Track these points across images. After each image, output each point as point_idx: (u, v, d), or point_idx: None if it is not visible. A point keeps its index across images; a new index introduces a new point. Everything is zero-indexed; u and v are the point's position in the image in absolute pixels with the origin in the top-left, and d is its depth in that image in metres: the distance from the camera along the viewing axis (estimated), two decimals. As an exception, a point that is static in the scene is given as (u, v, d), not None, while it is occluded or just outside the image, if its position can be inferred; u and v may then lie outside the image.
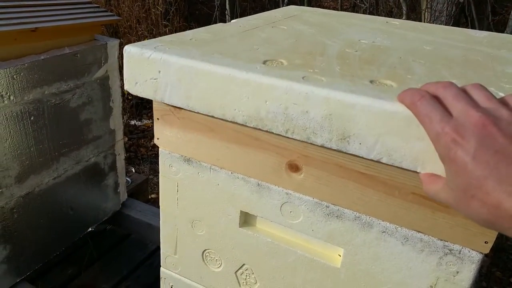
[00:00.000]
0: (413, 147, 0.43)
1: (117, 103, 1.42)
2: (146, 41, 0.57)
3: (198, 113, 0.54)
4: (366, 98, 0.44)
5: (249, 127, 0.52)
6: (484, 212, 0.34)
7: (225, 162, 0.58)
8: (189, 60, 0.51)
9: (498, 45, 0.76)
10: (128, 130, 3.35)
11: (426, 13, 3.35)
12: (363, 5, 4.11)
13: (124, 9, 4.10)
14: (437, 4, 3.30)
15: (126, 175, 1.73)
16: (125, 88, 0.57)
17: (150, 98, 0.55)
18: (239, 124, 0.53)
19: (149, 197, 1.90)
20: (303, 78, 0.48)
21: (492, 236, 0.46)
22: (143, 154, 3.09)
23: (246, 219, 0.62)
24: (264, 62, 0.53)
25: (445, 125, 0.36)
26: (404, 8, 3.50)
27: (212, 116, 0.53)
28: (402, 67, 0.56)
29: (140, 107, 3.50)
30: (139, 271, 1.43)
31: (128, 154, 3.03)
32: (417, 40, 0.74)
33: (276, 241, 0.59)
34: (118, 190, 1.54)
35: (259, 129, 0.51)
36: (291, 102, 0.47)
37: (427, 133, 0.38)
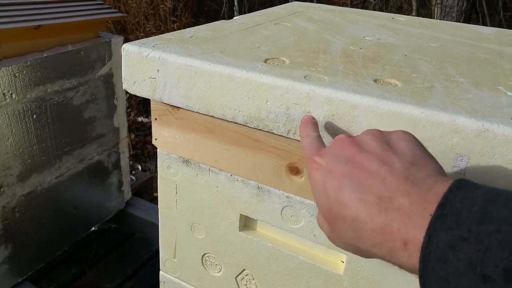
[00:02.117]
0: (418, 150, 0.41)
1: (121, 101, 1.41)
2: (144, 39, 0.55)
3: (197, 113, 0.52)
4: (370, 98, 0.42)
5: (250, 127, 0.50)
6: (348, 230, 0.30)
7: (224, 164, 0.56)
8: (188, 59, 0.50)
9: (507, 42, 0.73)
10: (135, 127, 3.34)
11: (436, 8, 3.30)
12: (373, 0, 4.07)
13: (132, 6, 4.10)
14: None
15: (131, 173, 1.72)
16: (123, 87, 0.55)
17: (149, 98, 0.54)
18: (239, 124, 0.51)
19: (154, 195, 1.89)
20: (305, 77, 0.46)
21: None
22: (150, 151, 3.09)
23: (246, 223, 0.60)
24: (265, 61, 0.51)
25: (313, 152, 0.36)
26: (414, 3, 3.45)
27: (212, 116, 0.51)
28: (408, 65, 0.54)
29: (147, 104, 3.48)
30: (143, 271, 1.43)
31: (134, 151, 3.03)
32: (423, 37, 0.72)
33: (277, 246, 0.57)
34: (122, 189, 1.54)
35: (260, 130, 0.49)
36: (293, 102, 0.45)
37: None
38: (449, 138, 0.39)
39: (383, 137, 0.33)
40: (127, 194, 1.57)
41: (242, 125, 0.50)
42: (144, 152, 3.07)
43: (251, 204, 0.56)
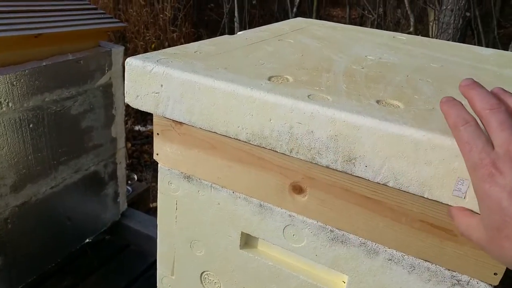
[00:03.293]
0: (420, 171, 0.41)
1: (119, 111, 1.41)
2: (148, 53, 0.55)
3: (200, 128, 0.52)
4: (372, 120, 0.42)
5: (252, 145, 0.50)
6: None
7: (226, 181, 0.56)
8: (192, 75, 0.49)
9: (505, 63, 0.74)
10: (132, 136, 3.33)
11: (433, 25, 3.34)
12: (371, 16, 4.12)
13: (132, 14, 4.12)
14: (444, 16, 3.30)
15: (127, 183, 1.71)
16: (125, 101, 0.55)
17: (151, 112, 0.54)
18: (242, 141, 0.51)
19: (150, 205, 1.88)
20: (308, 96, 0.46)
21: (502, 268, 0.44)
22: (147, 160, 3.07)
23: (247, 241, 0.60)
24: (269, 79, 0.51)
25: (485, 156, 0.34)
26: (411, 19, 3.50)
27: (215, 133, 0.51)
28: (409, 86, 0.54)
29: (145, 113, 3.47)
30: (137, 284, 1.41)
31: (131, 161, 3.01)
32: (424, 57, 0.73)
33: (278, 265, 0.57)
34: (118, 200, 1.52)
35: (263, 148, 0.49)
36: (296, 121, 0.45)
37: (465, 162, 0.36)
38: (450, 162, 0.39)
39: None
40: (123, 205, 1.55)
41: (245, 142, 0.50)
42: (141, 161, 3.06)
43: (253, 222, 0.56)
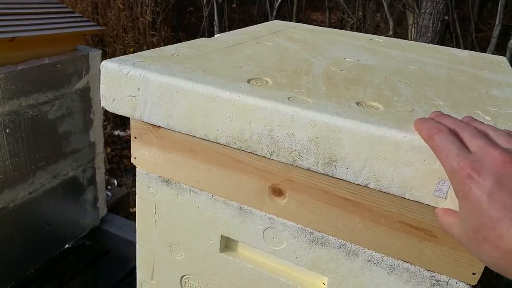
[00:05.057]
0: (401, 173, 0.41)
1: (97, 115, 1.38)
2: (125, 56, 0.54)
3: (179, 132, 0.51)
4: (353, 121, 0.42)
5: (232, 148, 0.49)
6: (495, 256, 0.32)
7: (206, 184, 0.55)
8: (170, 78, 0.49)
9: (481, 65, 0.76)
10: (112, 141, 3.29)
11: (412, 28, 3.40)
12: (350, 19, 4.16)
13: (110, 18, 4.06)
14: (423, 20, 3.36)
15: (107, 188, 1.68)
16: (101, 105, 0.54)
17: (128, 116, 0.53)
18: (221, 145, 0.50)
19: (131, 210, 1.85)
20: (288, 98, 0.46)
21: (480, 267, 0.45)
22: (127, 165, 3.03)
23: (227, 244, 0.59)
24: (249, 81, 0.51)
25: (461, 159, 0.34)
26: (391, 23, 3.55)
27: (194, 136, 0.50)
28: (388, 87, 0.54)
29: (125, 117, 3.43)
30: (117, 289, 1.38)
31: (110, 166, 2.97)
32: (401, 59, 0.74)
33: (258, 268, 0.56)
34: (97, 205, 1.50)
35: (243, 151, 0.48)
36: (276, 124, 0.45)
37: (444, 168, 0.36)
38: (431, 163, 0.39)
39: None
40: (103, 210, 1.53)
41: (225, 145, 0.49)
42: (121, 166, 3.02)
43: (233, 225, 0.55)
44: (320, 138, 0.43)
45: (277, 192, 0.51)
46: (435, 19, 3.46)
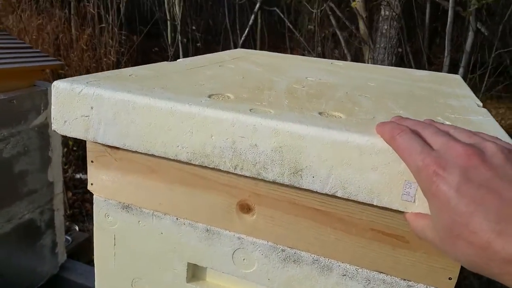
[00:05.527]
0: (367, 178, 0.40)
1: (56, 152, 1.32)
2: (77, 77, 0.52)
3: (136, 152, 0.48)
4: (316, 128, 0.41)
5: (195, 165, 0.47)
6: (471, 254, 0.30)
7: (169, 207, 0.52)
8: (125, 94, 0.47)
9: (439, 81, 0.78)
10: (73, 185, 3.15)
11: (369, 62, 3.55)
12: (307, 52, 4.32)
13: (73, 59, 4.01)
14: (378, 54, 3.53)
15: (67, 233, 1.59)
16: (52, 128, 0.51)
17: (81, 138, 0.50)
18: (183, 162, 0.48)
19: (93, 257, 1.75)
20: (250, 110, 0.45)
21: (455, 271, 0.43)
22: (89, 210, 2.90)
23: (195, 273, 0.55)
24: (210, 96, 0.49)
25: (425, 156, 0.33)
26: (348, 58, 3.70)
27: (153, 155, 0.48)
28: (349, 100, 0.54)
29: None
30: None
31: (72, 211, 2.83)
32: (361, 78, 0.75)
33: (228, 294, 0.53)
34: (56, 251, 1.40)
35: (205, 167, 0.46)
36: (239, 136, 0.43)
37: (409, 167, 0.36)
38: (396, 165, 0.39)
39: None
40: (62, 256, 1.43)
41: (186, 162, 0.47)
42: (82, 211, 2.88)
43: (200, 250, 0.52)
44: (284, 148, 0.42)
45: (245, 208, 0.48)
46: (390, 52, 3.64)
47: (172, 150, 0.46)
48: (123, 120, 0.47)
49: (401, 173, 0.39)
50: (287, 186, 0.45)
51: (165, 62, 0.69)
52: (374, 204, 0.40)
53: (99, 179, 0.54)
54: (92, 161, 0.54)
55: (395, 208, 0.40)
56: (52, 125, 0.50)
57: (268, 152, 0.42)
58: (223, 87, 0.55)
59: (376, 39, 3.83)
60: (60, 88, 0.49)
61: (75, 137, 0.49)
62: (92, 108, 0.48)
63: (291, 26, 4.41)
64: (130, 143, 0.48)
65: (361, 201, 0.41)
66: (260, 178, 0.44)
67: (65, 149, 3.21)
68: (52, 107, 0.50)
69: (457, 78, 0.86)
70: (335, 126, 0.42)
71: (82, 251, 1.61)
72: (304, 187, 0.42)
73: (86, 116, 0.48)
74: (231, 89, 0.54)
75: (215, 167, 0.45)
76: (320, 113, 0.46)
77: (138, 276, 0.56)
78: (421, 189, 0.35)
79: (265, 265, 0.50)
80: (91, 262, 1.67)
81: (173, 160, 0.47)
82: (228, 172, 0.47)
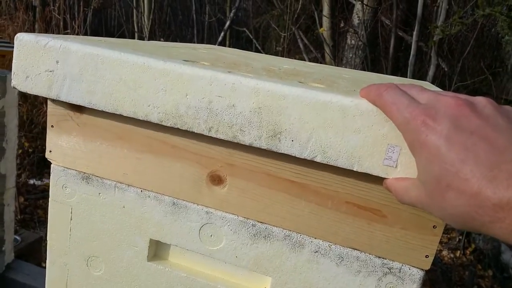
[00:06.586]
0: (348, 141, 0.38)
1: (11, 144, 1.24)
2: (44, 34, 0.48)
3: (103, 112, 0.45)
4: (298, 88, 0.39)
5: (166, 129, 0.44)
6: (461, 204, 0.29)
7: (135, 178, 0.48)
8: (94, 48, 0.43)
9: (408, 81, 0.80)
10: (26, 190, 2.99)
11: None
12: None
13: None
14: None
15: (16, 233, 1.48)
16: (12, 85, 0.47)
17: (44, 95, 0.46)
18: (153, 127, 0.45)
19: (43, 259, 1.63)
20: (228, 72, 0.43)
21: (433, 248, 0.42)
22: (41, 216, 2.74)
23: (157, 251, 0.51)
24: (185, 61, 0.47)
25: (414, 109, 0.33)
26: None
27: (121, 116, 0.44)
28: (328, 80, 0.54)
29: (42, 165, 3.17)
30: None
31: (23, 216, 2.67)
32: (335, 72, 0.75)
33: (192, 276, 0.49)
34: (3, 249, 1.30)
35: (177, 130, 0.43)
36: (216, 95, 0.41)
37: (395, 123, 0.34)
38: (379, 128, 0.38)
39: (502, 110, 0.32)
40: (9, 255, 1.32)
41: (157, 124, 0.44)
42: (34, 218, 2.72)
43: (164, 225, 0.48)
44: (264, 108, 0.40)
45: (216, 180, 0.46)
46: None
47: (142, 110, 0.43)
48: (91, 76, 0.44)
49: (384, 136, 0.37)
50: (263, 154, 0.43)
51: (137, 40, 0.67)
52: (354, 169, 0.39)
53: (58, 146, 0.50)
54: (52, 126, 0.50)
55: (375, 174, 0.38)
56: (12, 80, 0.46)
57: (246, 113, 0.40)
58: (198, 59, 0.53)
59: (341, 67, 3.93)
60: (24, 40, 0.45)
61: (36, 94, 0.45)
62: (57, 62, 0.44)
63: (259, 47, 4.45)
64: (96, 101, 0.44)
65: (340, 166, 0.39)
66: (235, 141, 0.41)
67: (20, 151, 3.05)
68: (14, 61, 0.46)
69: (428, 83, 0.88)
70: (317, 88, 0.40)
71: (32, 253, 1.49)
72: (282, 151, 0.40)
73: (51, 71, 0.45)
74: (207, 61, 0.52)
75: (188, 129, 0.42)
76: (300, 82, 0.45)
77: (94, 254, 0.52)
78: (407, 143, 0.34)
79: (234, 241, 0.47)
80: (41, 264, 1.55)
81: (143, 122, 0.44)
82: (200, 140, 0.44)
